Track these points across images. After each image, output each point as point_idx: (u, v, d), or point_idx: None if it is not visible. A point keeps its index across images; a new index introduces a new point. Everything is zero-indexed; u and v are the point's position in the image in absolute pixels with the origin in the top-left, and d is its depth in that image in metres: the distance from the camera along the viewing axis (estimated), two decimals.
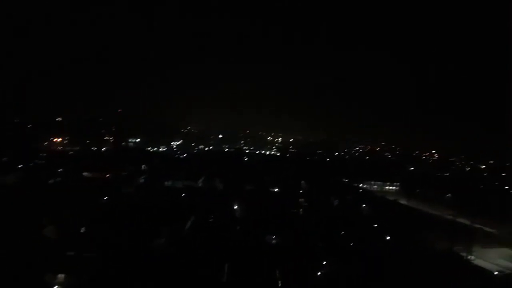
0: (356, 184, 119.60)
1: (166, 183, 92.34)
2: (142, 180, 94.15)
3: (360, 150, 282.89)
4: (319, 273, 45.39)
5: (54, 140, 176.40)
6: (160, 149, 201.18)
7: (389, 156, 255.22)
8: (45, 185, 78.38)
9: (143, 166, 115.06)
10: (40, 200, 61.75)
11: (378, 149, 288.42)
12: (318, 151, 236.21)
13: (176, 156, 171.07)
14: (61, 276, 38.32)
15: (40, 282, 36.91)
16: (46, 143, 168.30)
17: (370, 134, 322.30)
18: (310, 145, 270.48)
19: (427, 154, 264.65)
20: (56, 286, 37.60)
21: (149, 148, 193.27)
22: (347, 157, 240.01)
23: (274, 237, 56.27)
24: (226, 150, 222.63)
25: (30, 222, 50.41)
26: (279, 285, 42.03)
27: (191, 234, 54.75)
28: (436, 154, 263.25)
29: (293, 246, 52.40)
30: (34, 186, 74.54)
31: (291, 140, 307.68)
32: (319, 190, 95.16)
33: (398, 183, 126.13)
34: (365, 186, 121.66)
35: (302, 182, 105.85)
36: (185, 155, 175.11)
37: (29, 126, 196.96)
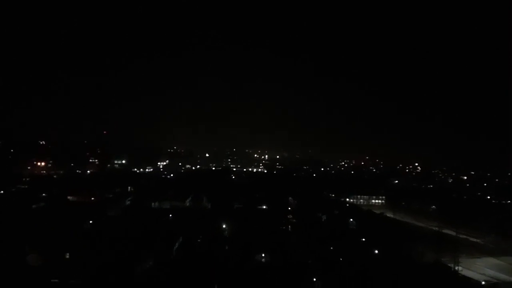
0: (343, 199, 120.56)
1: (153, 204, 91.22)
2: (128, 202, 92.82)
3: (346, 165, 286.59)
4: None
5: (38, 163, 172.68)
6: (147, 170, 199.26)
7: (374, 170, 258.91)
8: (28, 210, 76.38)
9: (129, 188, 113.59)
10: (23, 226, 60.28)
11: (362, 163, 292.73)
12: (305, 167, 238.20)
13: (163, 176, 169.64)
14: None
15: None
16: (29, 167, 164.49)
17: (354, 149, 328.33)
18: (296, 161, 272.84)
19: (410, 166, 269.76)
20: None
21: (135, 169, 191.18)
22: (333, 172, 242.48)
23: (263, 255, 55.96)
24: (213, 168, 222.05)
25: (13, 249, 49.04)
26: None
27: (179, 256, 54.06)
28: (419, 167, 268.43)
29: (283, 264, 52.16)
30: (17, 212, 72.70)
31: (278, 157, 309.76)
32: (307, 206, 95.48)
33: (383, 197, 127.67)
34: (351, 200, 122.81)
35: (290, 198, 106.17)
36: (171, 175, 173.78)
37: (11, 150, 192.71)
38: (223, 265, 49.22)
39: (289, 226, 75.75)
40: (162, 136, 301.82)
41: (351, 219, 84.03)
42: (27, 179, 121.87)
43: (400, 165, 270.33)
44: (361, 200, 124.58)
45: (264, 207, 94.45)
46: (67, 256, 51.31)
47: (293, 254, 56.54)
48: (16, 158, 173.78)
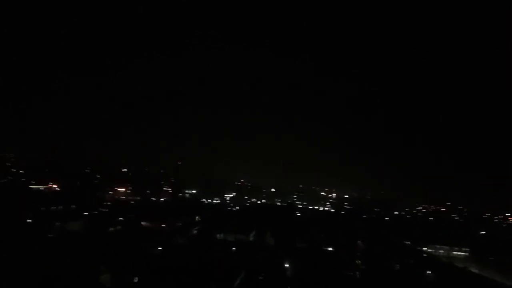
0: (419, 248, 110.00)
1: (218, 235, 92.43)
2: (195, 232, 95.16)
3: (423, 210, 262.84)
4: None
5: (118, 189, 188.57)
6: (214, 201, 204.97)
7: (456, 218, 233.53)
8: (106, 232, 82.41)
9: (196, 218, 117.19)
10: (99, 247, 64.94)
11: (443, 209, 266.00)
12: (376, 209, 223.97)
13: (229, 208, 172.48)
14: None
15: None
16: (111, 192, 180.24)
17: (434, 193, 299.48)
18: (366, 202, 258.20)
19: (501, 217, 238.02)
20: None
21: (203, 200, 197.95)
22: (408, 217, 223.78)
23: None
24: (279, 204, 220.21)
25: (89, 268, 52.66)
26: None
27: None
28: (511, 218, 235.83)
29: None
30: (96, 233, 78.95)
31: (346, 196, 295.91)
32: (378, 252, 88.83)
33: (467, 249, 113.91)
34: (429, 250, 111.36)
35: (359, 242, 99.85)
36: (237, 207, 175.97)
37: (97, 176, 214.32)
38: None
39: (357, 272, 70.72)
40: (232, 168, 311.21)
41: (429, 271, 75.79)
42: (108, 203, 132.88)
43: (488, 214, 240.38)
44: (441, 251, 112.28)
45: (330, 248, 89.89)
46: (135, 280, 53.66)
47: None
48: (100, 183, 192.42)
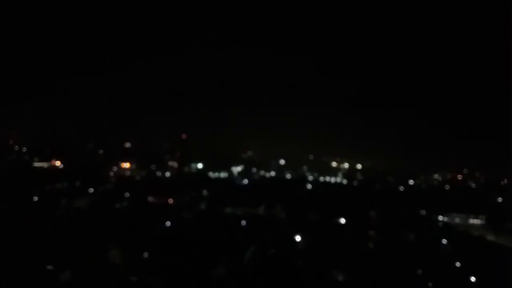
0: (434, 217, 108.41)
1: (226, 209, 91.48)
2: (203, 206, 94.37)
3: (439, 179, 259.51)
4: None
5: (123, 165, 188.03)
6: (221, 175, 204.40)
7: (473, 186, 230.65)
8: (112, 209, 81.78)
9: (204, 192, 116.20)
10: (106, 223, 64.26)
11: (460, 177, 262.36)
12: (390, 179, 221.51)
13: (237, 182, 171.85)
14: None
15: None
16: (116, 168, 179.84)
17: (450, 160, 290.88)
18: (380, 172, 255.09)
19: None
20: None
21: (210, 174, 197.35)
22: (423, 185, 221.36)
23: (340, 273, 51.33)
24: (288, 177, 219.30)
25: (97, 245, 51.88)
26: None
27: (250, 265, 52.31)
28: None
29: (363, 284, 47.16)
30: (102, 210, 78.29)
31: (359, 167, 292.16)
32: (392, 223, 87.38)
33: (484, 216, 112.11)
34: (445, 219, 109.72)
35: (372, 212, 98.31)
36: (245, 181, 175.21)
37: (100, 151, 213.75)
38: (295, 279, 46.28)
39: (371, 244, 69.30)
40: (238, 141, 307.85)
41: (444, 240, 74.20)
42: (113, 179, 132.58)
43: (506, 181, 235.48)
44: (457, 219, 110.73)
45: (342, 221, 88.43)
46: (145, 256, 52.82)
47: (374, 274, 51.01)
48: (104, 159, 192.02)
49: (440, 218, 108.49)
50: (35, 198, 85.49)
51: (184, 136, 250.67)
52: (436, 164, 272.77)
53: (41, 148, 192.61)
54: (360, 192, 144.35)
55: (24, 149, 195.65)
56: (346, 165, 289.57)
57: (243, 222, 76.63)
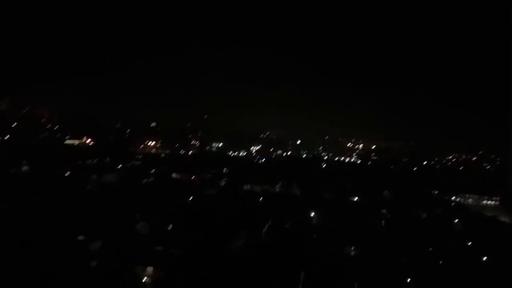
0: (447, 197, 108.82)
1: (245, 186, 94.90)
2: (223, 183, 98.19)
3: (453, 159, 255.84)
4: None
5: (149, 143, 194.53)
6: (240, 154, 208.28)
7: (488, 167, 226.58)
8: (139, 184, 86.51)
9: (224, 170, 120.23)
10: (134, 198, 68.56)
11: (474, 158, 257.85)
12: (404, 160, 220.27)
13: (255, 160, 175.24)
14: (150, 269, 41.77)
15: (132, 273, 40.66)
16: (142, 146, 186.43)
17: (465, 141, 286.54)
18: (394, 152, 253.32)
19: None
20: (146, 278, 41.09)
21: (230, 153, 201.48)
22: (437, 166, 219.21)
23: (353, 248, 54.02)
24: (304, 156, 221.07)
25: (126, 217, 56.03)
26: None
27: (267, 239, 55.31)
28: None
29: (374, 259, 49.61)
30: (130, 185, 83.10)
31: (373, 147, 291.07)
32: (405, 202, 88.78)
33: (498, 198, 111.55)
34: (458, 199, 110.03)
35: (385, 192, 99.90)
36: (263, 160, 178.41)
37: (128, 130, 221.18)
38: (310, 253, 49.01)
39: (383, 221, 71.51)
40: (257, 121, 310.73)
41: (456, 220, 75.56)
42: (140, 156, 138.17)
43: None
44: (470, 200, 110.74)
45: (356, 199, 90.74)
46: (169, 228, 56.82)
47: (386, 251, 53.24)
48: (131, 137, 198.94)
49: (453, 198, 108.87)
50: (67, 173, 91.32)
51: (205, 117, 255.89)
52: (451, 146, 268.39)
53: (73, 126, 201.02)
54: (374, 172, 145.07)
55: (56, 127, 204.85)
56: (361, 146, 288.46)
57: (261, 199, 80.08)
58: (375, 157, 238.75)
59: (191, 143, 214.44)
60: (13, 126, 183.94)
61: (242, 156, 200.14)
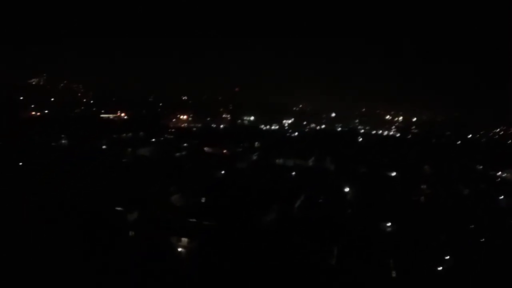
0: (492, 173, 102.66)
1: (277, 160, 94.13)
2: (255, 157, 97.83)
3: (501, 132, 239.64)
4: (440, 268, 40.46)
5: (181, 117, 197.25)
6: (272, 127, 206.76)
7: None
8: (172, 157, 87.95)
9: (256, 143, 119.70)
10: (168, 171, 69.72)
11: None
12: (447, 133, 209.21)
13: (287, 134, 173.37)
14: (184, 240, 42.47)
15: (166, 244, 41.49)
16: (174, 119, 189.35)
17: None
18: (437, 125, 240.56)
19: None
20: (180, 249, 41.84)
21: (262, 126, 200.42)
22: (483, 140, 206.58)
23: (389, 224, 52.32)
24: (339, 129, 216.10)
25: (160, 190, 57.10)
26: (393, 275, 38.87)
27: (300, 213, 54.72)
28: None
29: (412, 236, 47.92)
30: (164, 158, 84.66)
31: (414, 119, 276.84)
32: (446, 177, 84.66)
33: None
34: (504, 175, 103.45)
35: (426, 167, 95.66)
36: (296, 133, 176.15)
37: (160, 104, 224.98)
38: (344, 228, 48.00)
39: (422, 197, 68.66)
40: (289, 93, 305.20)
41: (501, 197, 71.12)
42: (172, 130, 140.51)
43: None
44: None
45: (394, 174, 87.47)
46: (203, 200, 57.52)
47: (424, 227, 51.18)
48: (163, 111, 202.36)
49: (499, 174, 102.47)
50: (104, 147, 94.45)
51: (237, 89, 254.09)
52: (498, 118, 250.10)
53: (107, 100, 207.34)
54: (414, 146, 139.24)
55: (92, 102, 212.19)
56: (400, 118, 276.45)
57: (293, 173, 79.11)
58: (416, 130, 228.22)
59: (223, 116, 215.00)
60: (51, 100, 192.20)
61: (274, 130, 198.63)
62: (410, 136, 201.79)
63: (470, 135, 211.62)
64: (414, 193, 70.15)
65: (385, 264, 40.74)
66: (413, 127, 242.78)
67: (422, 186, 74.87)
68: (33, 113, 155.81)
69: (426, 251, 43.57)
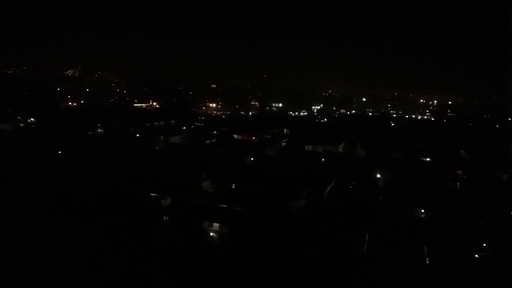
0: None
1: (306, 147, 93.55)
2: (283, 144, 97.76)
3: None
4: (476, 256, 39.20)
5: (210, 104, 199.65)
6: (301, 114, 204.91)
7: None
8: (203, 144, 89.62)
9: (285, 130, 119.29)
10: (199, 157, 71.18)
11: None
12: (485, 116, 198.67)
13: (317, 120, 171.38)
14: (216, 225, 43.53)
15: (198, 229, 42.74)
16: (204, 107, 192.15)
17: None
18: (474, 108, 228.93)
19: None
20: (212, 233, 42.97)
21: (290, 113, 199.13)
22: None
23: (423, 210, 50.99)
24: (370, 114, 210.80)
25: (191, 176, 58.49)
26: (427, 262, 38.11)
27: (330, 199, 54.36)
28: None
29: (447, 222, 46.43)
30: (195, 145, 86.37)
31: (450, 103, 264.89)
32: (483, 162, 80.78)
33: None
34: None
35: (462, 152, 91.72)
36: (325, 119, 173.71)
37: (190, 92, 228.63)
38: (375, 214, 47.26)
39: (458, 183, 66.07)
40: (318, 79, 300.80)
41: None
42: (202, 118, 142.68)
43: None
44: None
45: (428, 159, 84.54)
46: (233, 187, 58.41)
47: (460, 214, 49.39)
48: (193, 100, 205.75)
49: None
50: (137, 135, 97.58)
51: (265, 76, 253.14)
52: None
53: (139, 90, 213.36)
54: (450, 130, 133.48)
55: (125, 91, 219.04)
56: (435, 102, 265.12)
57: (322, 159, 78.31)
58: (452, 114, 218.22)
59: (251, 103, 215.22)
60: (87, 90, 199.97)
61: (303, 116, 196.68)
62: (445, 120, 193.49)
63: (510, 118, 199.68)
64: (449, 178, 67.56)
65: (419, 251, 39.94)
66: (449, 110, 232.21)
67: (458, 172, 71.93)
68: (70, 103, 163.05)
69: (462, 238, 42.19)
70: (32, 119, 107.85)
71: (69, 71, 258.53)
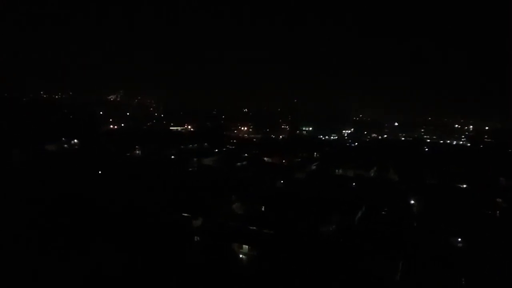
0: None
1: (336, 171, 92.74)
2: (313, 167, 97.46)
3: None
4: None
5: (241, 128, 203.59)
6: (332, 137, 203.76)
7: None
8: (234, 167, 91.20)
9: (315, 154, 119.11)
10: (230, 179, 72.55)
11: None
12: None
13: (347, 144, 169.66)
14: (245, 247, 43.99)
15: (228, 250, 43.34)
16: (235, 131, 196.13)
17: None
18: None
19: None
20: (241, 255, 43.43)
21: (320, 136, 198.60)
22: None
23: (460, 239, 48.96)
24: (403, 139, 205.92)
25: (223, 198, 59.63)
26: None
27: (361, 225, 53.36)
28: None
29: (486, 252, 44.30)
30: (226, 168, 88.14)
31: (486, 128, 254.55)
32: None
33: None
34: None
35: (502, 179, 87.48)
36: (356, 143, 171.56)
37: (223, 116, 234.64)
38: (409, 242, 45.92)
39: (498, 211, 62.95)
40: (349, 103, 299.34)
41: None
42: (234, 141, 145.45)
43: None
44: None
45: (465, 186, 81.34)
46: (262, 209, 58.85)
47: (500, 243, 46.95)
48: (226, 123, 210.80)
49: None
50: (173, 157, 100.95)
51: (296, 100, 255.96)
52: None
53: (176, 114, 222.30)
54: (488, 156, 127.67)
55: (162, 115, 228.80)
56: (471, 127, 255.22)
57: (353, 183, 77.31)
58: (489, 140, 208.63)
59: (282, 127, 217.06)
60: (127, 114, 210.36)
61: (333, 140, 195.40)
62: (482, 145, 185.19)
63: None
64: (488, 206, 64.54)
65: (456, 283, 38.34)
66: (486, 136, 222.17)
67: (497, 199, 68.61)
68: (111, 126, 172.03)
69: (501, 270, 40.09)
70: (75, 140, 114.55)
71: (112, 96, 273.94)
